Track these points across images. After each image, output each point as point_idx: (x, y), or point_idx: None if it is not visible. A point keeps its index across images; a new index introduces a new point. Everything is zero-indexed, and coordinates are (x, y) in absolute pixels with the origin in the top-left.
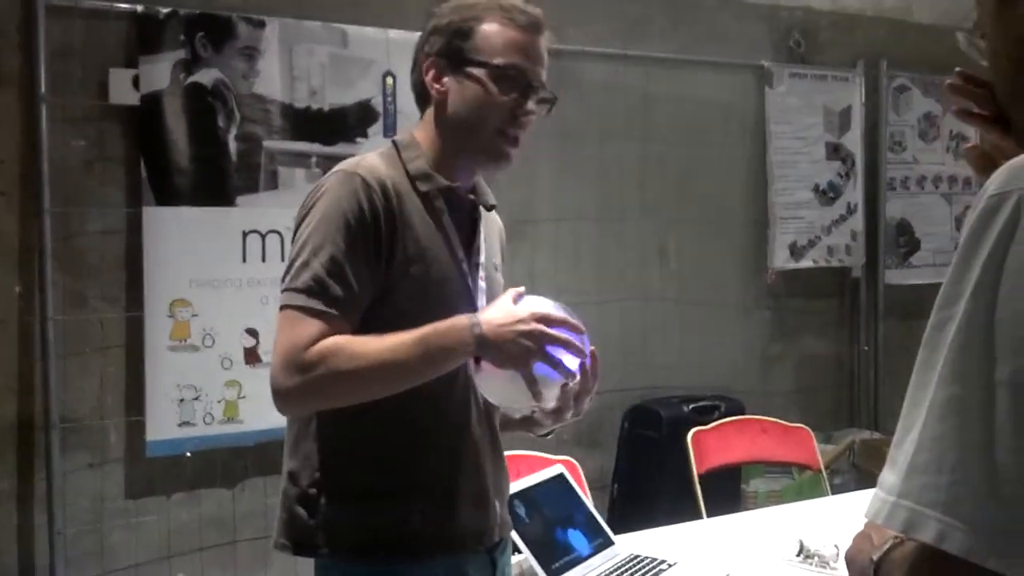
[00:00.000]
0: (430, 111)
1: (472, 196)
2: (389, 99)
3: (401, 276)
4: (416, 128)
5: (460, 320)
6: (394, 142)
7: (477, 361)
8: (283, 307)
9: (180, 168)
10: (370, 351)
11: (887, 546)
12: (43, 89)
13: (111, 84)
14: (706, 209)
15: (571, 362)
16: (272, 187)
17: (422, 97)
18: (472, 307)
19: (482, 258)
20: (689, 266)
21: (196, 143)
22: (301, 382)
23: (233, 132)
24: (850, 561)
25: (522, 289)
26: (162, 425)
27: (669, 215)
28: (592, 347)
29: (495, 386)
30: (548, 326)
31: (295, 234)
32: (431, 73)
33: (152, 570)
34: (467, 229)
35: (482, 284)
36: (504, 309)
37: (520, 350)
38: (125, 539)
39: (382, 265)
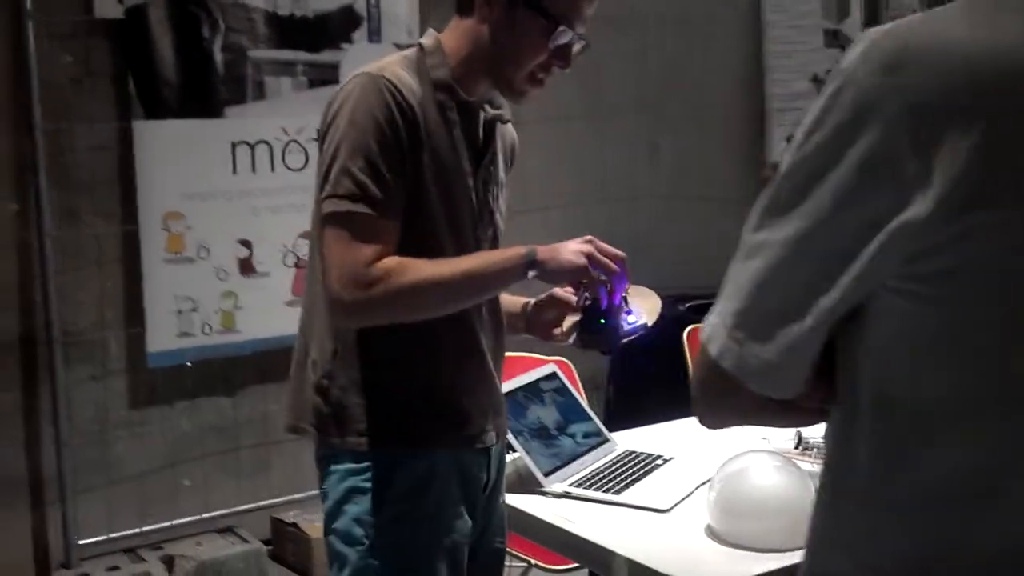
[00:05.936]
0: (467, 22)
1: (489, 109)
2: (372, 3)
3: (420, 190)
4: (445, 33)
5: (513, 247)
6: (420, 45)
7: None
8: (328, 215)
9: (167, 81)
10: (431, 267)
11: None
12: (29, 6)
13: None
14: (699, 103)
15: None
16: (259, 97)
17: (463, 3)
18: (476, 230)
19: (501, 175)
20: (682, 162)
21: (182, 55)
22: (365, 297)
23: (218, 43)
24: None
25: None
26: (162, 336)
27: (661, 111)
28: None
29: None
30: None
31: (323, 141)
32: None
33: (157, 477)
34: (477, 144)
35: (501, 205)
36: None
37: (572, 260)
38: (130, 448)
39: (407, 173)
